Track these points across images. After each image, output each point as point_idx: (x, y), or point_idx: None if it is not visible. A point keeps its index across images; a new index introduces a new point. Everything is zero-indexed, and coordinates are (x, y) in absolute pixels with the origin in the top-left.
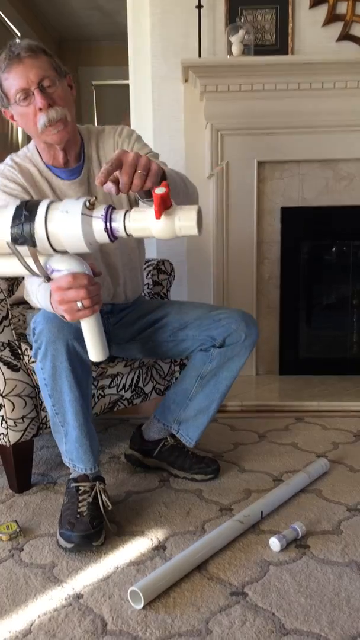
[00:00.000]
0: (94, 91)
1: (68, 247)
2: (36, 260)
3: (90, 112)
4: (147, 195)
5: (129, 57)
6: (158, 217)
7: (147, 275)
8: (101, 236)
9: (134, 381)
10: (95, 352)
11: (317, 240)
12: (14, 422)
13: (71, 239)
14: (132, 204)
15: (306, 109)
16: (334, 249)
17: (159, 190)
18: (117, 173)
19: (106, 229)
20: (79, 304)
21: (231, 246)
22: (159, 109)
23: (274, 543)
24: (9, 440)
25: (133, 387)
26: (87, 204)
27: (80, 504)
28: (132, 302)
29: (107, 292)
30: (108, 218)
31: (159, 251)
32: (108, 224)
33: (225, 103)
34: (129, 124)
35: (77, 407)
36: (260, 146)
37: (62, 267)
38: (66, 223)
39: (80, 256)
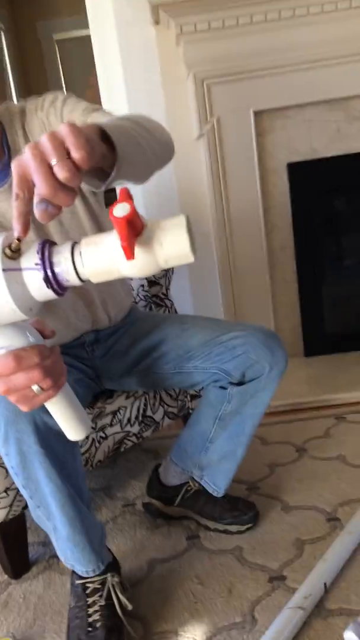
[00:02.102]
0: (56, 47)
1: None
2: None
3: (55, 70)
4: (101, 176)
5: (86, 3)
6: (129, 256)
7: None
8: (43, 293)
9: (141, 411)
10: (72, 431)
11: (332, 197)
12: None
13: None
14: (97, 214)
15: (305, 41)
16: (351, 204)
17: (119, 211)
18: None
19: (48, 281)
20: (36, 388)
21: (233, 218)
22: (129, 61)
23: (351, 638)
24: None
25: (140, 418)
26: (8, 251)
27: (90, 610)
28: (121, 323)
29: (84, 319)
30: (47, 264)
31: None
32: (49, 272)
33: (208, 45)
34: (96, 84)
35: (62, 499)
36: (255, 93)
37: None
38: None
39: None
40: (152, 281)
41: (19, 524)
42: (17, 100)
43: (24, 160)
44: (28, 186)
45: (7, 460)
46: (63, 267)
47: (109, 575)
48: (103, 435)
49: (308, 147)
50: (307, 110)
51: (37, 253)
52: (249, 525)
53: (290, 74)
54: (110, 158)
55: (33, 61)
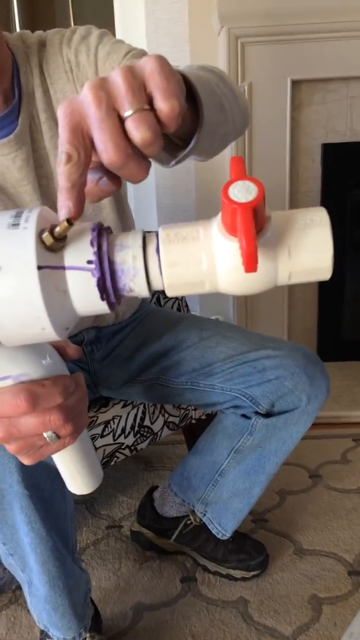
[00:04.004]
0: None
1: (9, 338)
2: None
3: (65, 17)
4: (169, 147)
5: None
6: (251, 267)
7: None
8: (90, 306)
9: (138, 421)
10: (79, 484)
11: None
12: None
13: (18, 327)
14: (122, 198)
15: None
16: None
17: (241, 194)
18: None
19: (104, 290)
20: (49, 435)
21: None
22: (154, 10)
23: None
24: None
25: (137, 428)
26: (48, 238)
27: None
28: (128, 320)
29: None
30: (105, 264)
31: (161, 218)
32: (107, 276)
33: None
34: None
35: (44, 553)
36: (295, 59)
37: None
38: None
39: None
40: None
41: None
42: None
43: (82, 105)
44: (84, 144)
45: None
46: (129, 271)
47: (87, 636)
48: None
49: (348, 128)
50: (352, 85)
51: (91, 245)
52: (256, 572)
53: (338, 42)
54: (190, 122)
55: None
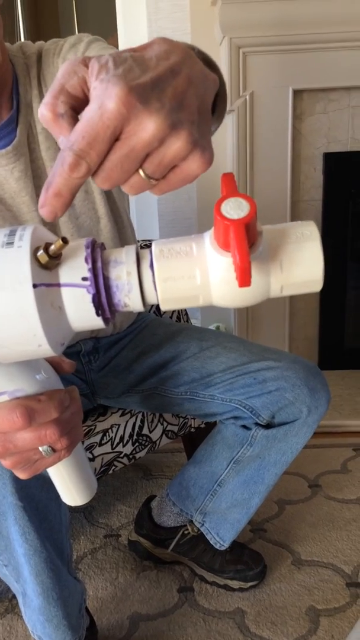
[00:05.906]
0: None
1: (5, 356)
2: None
3: (69, 25)
4: None
5: None
6: (245, 281)
7: None
8: (86, 321)
9: (136, 429)
10: (74, 496)
11: None
12: None
13: (14, 344)
14: (114, 196)
15: None
16: None
17: (233, 210)
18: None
19: (99, 306)
20: (44, 449)
21: (257, 208)
22: (156, 18)
23: None
24: None
25: (135, 437)
26: (43, 256)
27: None
28: (126, 330)
29: None
30: (100, 280)
31: (162, 226)
32: (103, 292)
33: (250, 7)
34: (116, 44)
35: (38, 565)
36: (297, 69)
37: None
38: None
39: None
40: None
41: None
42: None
43: (121, 116)
44: (100, 150)
45: None
46: (123, 286)
47: None
48: (90, 456)
49: (349, 137)
50: (354, 94)
51: (86, 262)
52: (253, 583)
53: (340, 52)
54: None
55: (48, 11)
